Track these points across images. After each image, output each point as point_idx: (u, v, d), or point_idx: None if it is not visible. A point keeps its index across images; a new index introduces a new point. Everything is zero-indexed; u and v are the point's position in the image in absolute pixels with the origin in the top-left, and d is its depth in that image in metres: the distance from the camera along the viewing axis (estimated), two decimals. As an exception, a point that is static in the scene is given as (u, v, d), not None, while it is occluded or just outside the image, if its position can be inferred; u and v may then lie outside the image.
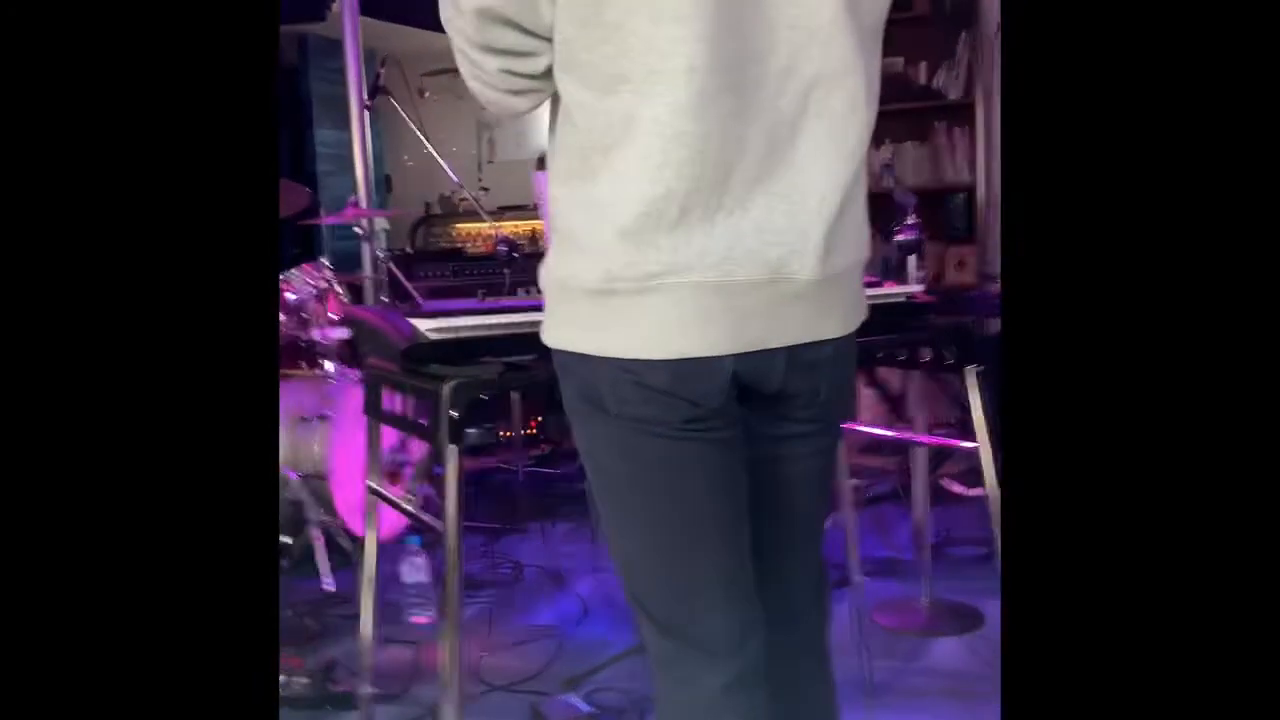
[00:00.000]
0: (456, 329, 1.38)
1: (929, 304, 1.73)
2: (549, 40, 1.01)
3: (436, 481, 1.35)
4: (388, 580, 2.81)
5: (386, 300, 3.69)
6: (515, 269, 3.86)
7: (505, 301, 1.58)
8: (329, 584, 2.85)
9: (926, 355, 1.77)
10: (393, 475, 3.10)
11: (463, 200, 5.68)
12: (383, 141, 6.83)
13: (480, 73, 1.05)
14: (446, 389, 1.29)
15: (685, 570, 1.05)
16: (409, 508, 1.50)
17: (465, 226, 5.71)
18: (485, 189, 6.10)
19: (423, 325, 1.38)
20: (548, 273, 1.08)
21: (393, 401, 1.47)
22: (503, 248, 3.61)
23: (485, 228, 5.41)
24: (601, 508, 1.10)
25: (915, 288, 1.78)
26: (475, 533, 3.35)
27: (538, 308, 1.15)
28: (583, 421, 1.08)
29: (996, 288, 3.62)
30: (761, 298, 0.99)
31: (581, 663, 2.31)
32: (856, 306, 1.11)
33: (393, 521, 3.25)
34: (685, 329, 0.98)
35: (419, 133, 4.00)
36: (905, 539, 3.08)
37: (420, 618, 2.66)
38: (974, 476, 2.87)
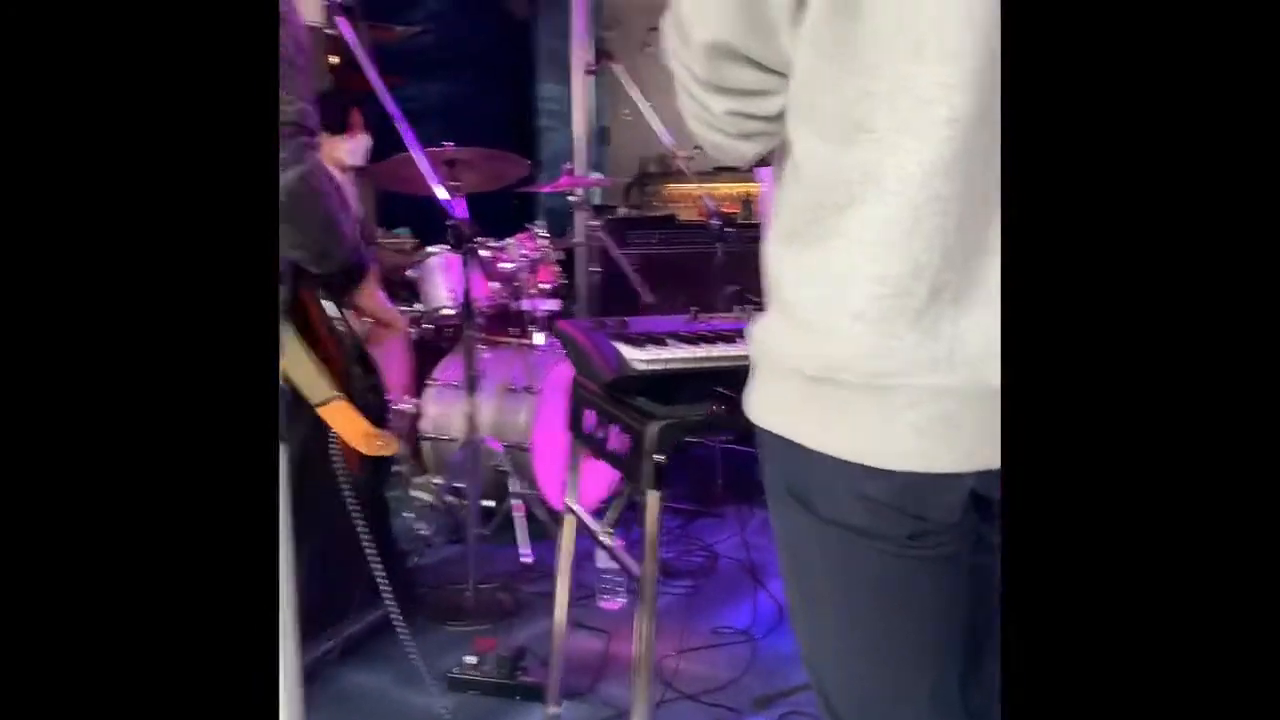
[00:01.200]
0: (666, 361, 1.29)
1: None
2: (786, 76, 0.87)
3: (637, 509, 1.27)
4: (582, 557, 2.82)
5: (597, 269, 3.66)
6: (727, 243, 3.75)
7: (718, 323, 1.47)
8: (526, 556, 2.89)
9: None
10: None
11: (677, 159, 5.60)
12: (603, 94, 6.83)
13: (704, 114, 0.93)
14: (652, 430, 1.20)
15: (888, 685, 0.92)
16: (607, 542, 1.43)
17: (679, 188, 5.62)
18: (699, 147, 5.98)
19: (630, 354, 1.29)
20: (759, 341, 0.95)
21: (595, 422, 1.40)
22: (715, 221, 3.50)
23: (697, 190, 5.31)
24: (793, 599, 0.98)
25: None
26: (669, 513, 3.31)
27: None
28: (784, 513, 0.95)
29: None
30: None
31: (775, 678, 2.22)
32: None
33: (592, 493, 3.26)
34: (923, 439, 0.83)
35: (636, 97, 3.93)
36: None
37: (611, 604, 2.64)
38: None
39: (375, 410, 1.38)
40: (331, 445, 1.39)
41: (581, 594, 2.70)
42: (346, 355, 1.38)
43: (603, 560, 2.67)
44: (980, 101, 0.78)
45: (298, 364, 1.28)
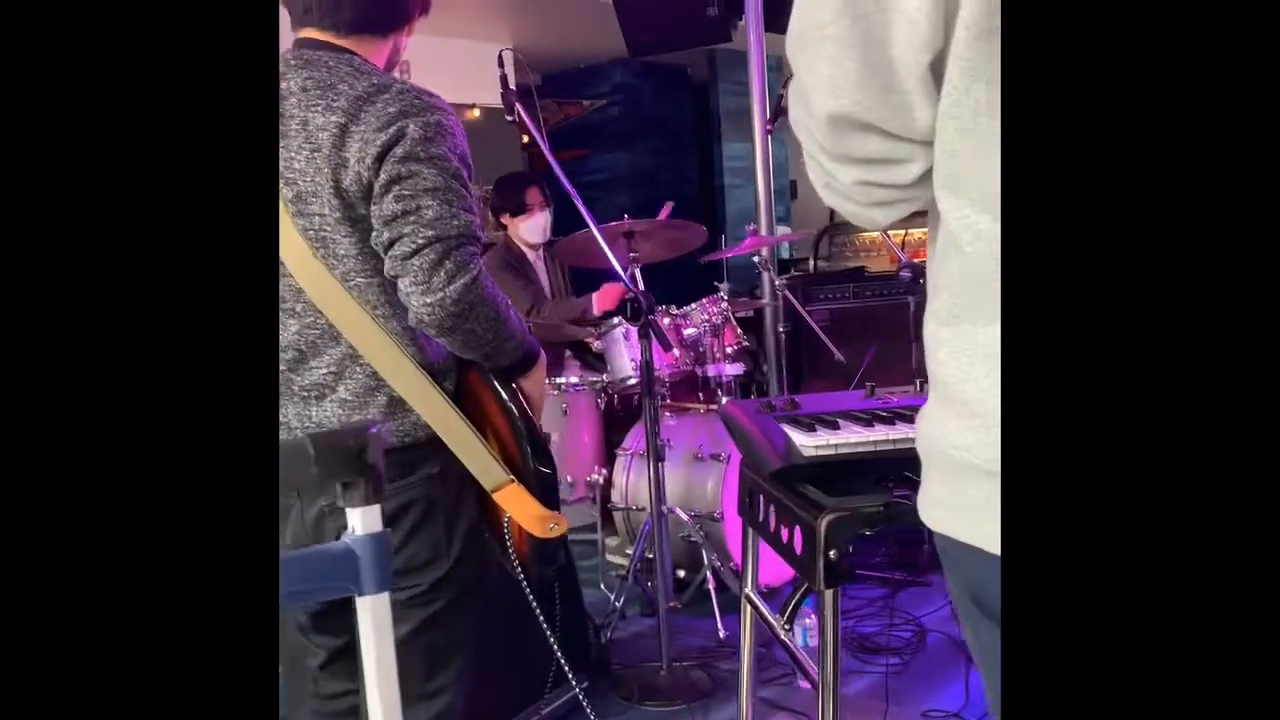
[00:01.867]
0: (836, 446, 1.20)
1: None
2: (926, 144, 0.79)
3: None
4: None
5: (785, 328, 3.58)
6: (919, 295, 3.58)
7: (896, 399, 1.36)
8: (722, 631, 2.81)
9: None
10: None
11: (868, 208, 5.46)
12: (788, 149, 6.78)
13: (833, 182, 0.86)
14: (823, 524, 1.12)
15: None
16: (785, 638, 1.34)
17: (870, 236, 5.47)
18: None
19: (799, 439, 1.21)
20: (924, 433, 0.85)
21: (769, 512, 1.33)
22: (905, 273, 3.35)
23: (886, 238, 5.13)
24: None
25: None
26: (872, 583, 3.14)
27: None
28: (971, 625, 0.84)
29: None
30: None
31: (989, 772, 2.03)
32: None
33: (783, 566, 3.15)
34: None
35: (820, 150, 3.84)
36: None
37: (810, 684, 2.51)
38: None
39: (547, 491, 1.37)
40: (505, 528, 1.39)
41: (781, 672, 2.59)
42: (518, 436, 1.38)
43: (800, 638, 2.56)
44: None
45: (469, 448, 1.29)
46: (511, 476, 1.31)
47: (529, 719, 2.30)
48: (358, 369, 1.34)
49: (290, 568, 0.65)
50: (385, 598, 0.67)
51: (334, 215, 1.31)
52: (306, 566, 0.64)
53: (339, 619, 1.48)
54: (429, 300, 1.27)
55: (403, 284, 1.29)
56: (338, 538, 1.42)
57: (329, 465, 0.65)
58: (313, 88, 1.32)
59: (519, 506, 1.32)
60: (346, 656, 1.54)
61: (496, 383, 1.40)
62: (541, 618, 1.50)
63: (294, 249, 1.29)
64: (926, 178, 0.81)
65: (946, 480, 0.84)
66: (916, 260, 3.82)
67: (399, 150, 1.28)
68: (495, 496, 1.31)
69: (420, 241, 1.27)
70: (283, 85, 1.34)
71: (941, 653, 2.66)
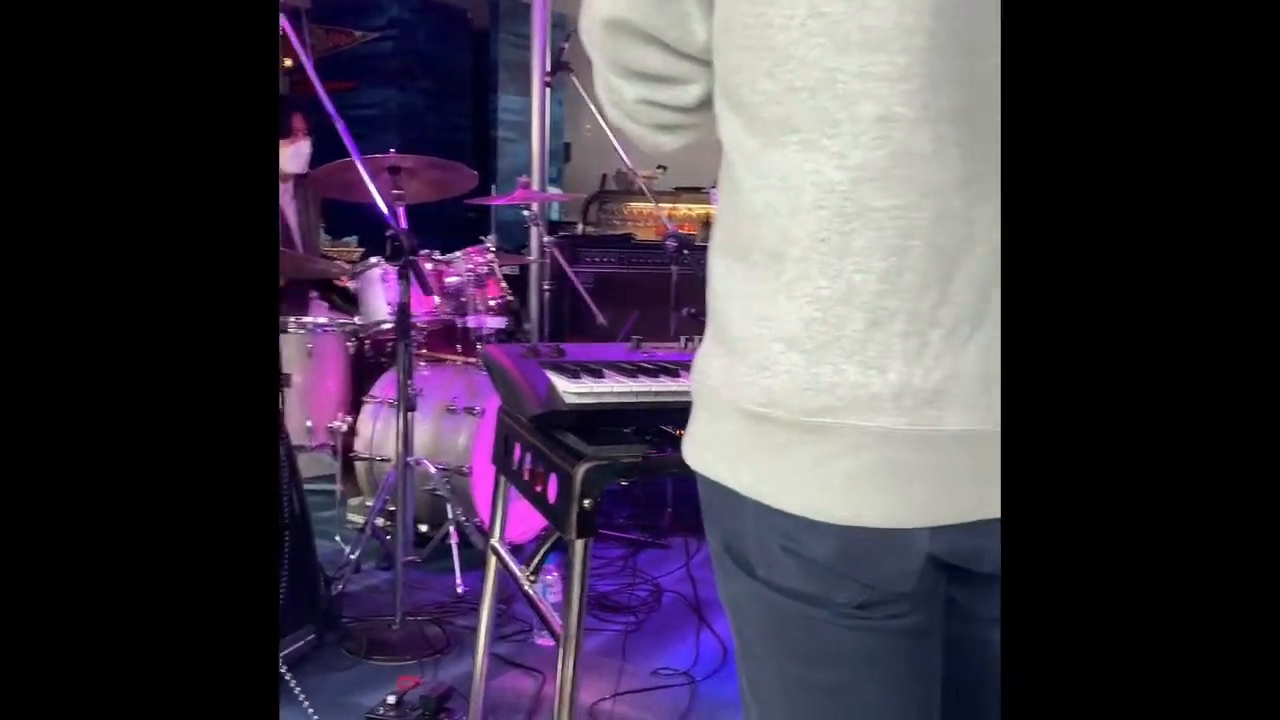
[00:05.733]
0: (599, 394, 1.17)
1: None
2: (706, 64, 0.78)
3: (567, 553, 1.15)
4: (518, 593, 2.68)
5: (550, 287, 3.54)
6: (683, 265, 3.65)
7: (661, 353, 1.35)
8: (461, 587, 2.75)
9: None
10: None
11: (637, 178, 5.52)
12: (565, 109, 6.72)
13: (618, 99, 0.84)
14: (580, 471, 1.08)
15: None
16: (529, 590, 1.31)
17: (639, 206, 5.53)
18: (663, 167, 5.90)
19: (563, 385, 1.17)
20: (698, 371, 0.84)
21: (520, 457, 1.28)
22: (671, 243, 3.40)
23: (656, 209, 5.21)
24: (741, 677, 0.87)
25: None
26: (613, 542, 3.18)
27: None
28: (724, 574, 0.84)
29: None
30: (979, 456, 0.71)
31: (713, 724, 2.10)
32: None
33: (533, 522, 3.13)
34: (864, 488, 0.71)
35: (596, 112, 3.82)
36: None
37: (549, 640, 2.51)
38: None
39: None
40: None
41: (517, 629, 2.56)
42: None
43: (541, 594, 2.54)
44: (925, 95, 0.67)
45: None
46: None
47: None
48: None
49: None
50: None
51: None
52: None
53: None
54: None
55: None
56: None
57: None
58: None
59: None
60: None
61: None
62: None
63: None
64: (708, 104, 0.80)
65: (708, 419, 0.82)
66: (682, 232, 3.89)
67: None
68: None
69: None
70: None
71: (676, 613, 2.73)
